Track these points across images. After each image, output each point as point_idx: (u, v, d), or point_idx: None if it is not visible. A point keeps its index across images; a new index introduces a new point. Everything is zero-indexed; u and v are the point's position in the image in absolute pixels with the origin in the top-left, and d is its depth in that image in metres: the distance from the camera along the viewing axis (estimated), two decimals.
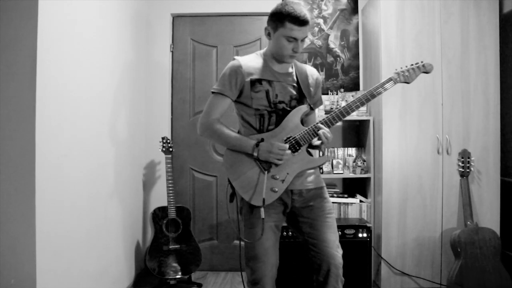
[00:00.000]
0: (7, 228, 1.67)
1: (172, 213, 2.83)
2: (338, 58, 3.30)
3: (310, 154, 1.75)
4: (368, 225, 2.67)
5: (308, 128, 1.68)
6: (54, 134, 1.84)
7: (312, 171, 1.77)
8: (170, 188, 2.84)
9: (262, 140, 1.66)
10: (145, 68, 3.24)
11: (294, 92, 1.75)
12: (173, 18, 3.35)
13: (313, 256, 1.70)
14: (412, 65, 1.76)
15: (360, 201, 2.96)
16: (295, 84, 1.76)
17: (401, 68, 1.76)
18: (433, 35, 2.75)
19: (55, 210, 1.85)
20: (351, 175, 3.01)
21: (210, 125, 1.70)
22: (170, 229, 2.84)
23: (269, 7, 3.06)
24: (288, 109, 1.72)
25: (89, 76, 2.21)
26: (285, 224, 1.83)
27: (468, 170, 2.62)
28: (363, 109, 2.98)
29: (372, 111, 2.98)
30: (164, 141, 2.88)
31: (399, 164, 2.75)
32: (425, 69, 1.76)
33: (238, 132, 1.79)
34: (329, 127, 1.68)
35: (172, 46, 3.34)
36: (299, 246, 2.57)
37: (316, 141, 1.68)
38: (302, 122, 1.75)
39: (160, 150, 2.90)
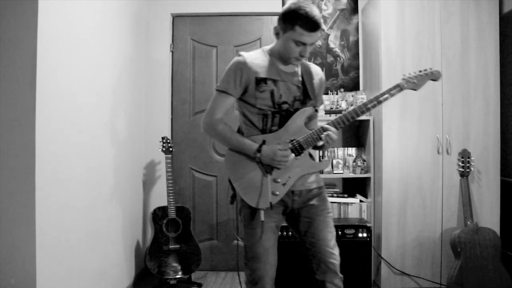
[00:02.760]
0: (7, 228, 1.67)
1: (172, 213, 2.83)
2: (338, 58, 3.30)
3: (312, 157, 1.75)
4: (368, 225, 2.67)
5: (312, 131, 1.66)
6: (54, 134, 1.84)
7: None
8: (170, 188, 2.84)
9: (264, 142, 1.64)
10: (145, 68, 3.24)
11: (298, 93, 1.71)
12: (173, 18, 3.35)
13: (311, 255, 1.70)
14: (420, 71, 1.73)
15: (360, 201, 2.96)
16: (300, 85, 1.72)
17: (409, 74, 1.73)
18: (433, 35, 2.75)
19: (55, 210, 1.85)
20: (351, 175, 3.01)
21: (213, 125, 1.67)
22: (170, 229, 2.84)
23: (269, 7, 3.04)
24: (291, 110, 1.69)
25: (89, 76, 2.21)
26: (284, 224, 1.83)
27: (468, 170, 2.61)
28: None
29: (372, 111, 2.98)
30: (164, 141, 2.88)
31: (399, 164, 2.75)
32: (433, 76, 1.74)
33: (239, 130, 1.77)
34: (336, 129, 1.65)
35: (172, 46, 3.34)
36: (297, 245, 2.60)
37: (319, 143, 1.67)
38: (305, 124, 1.72)
39: (160, 150, 2.90)
